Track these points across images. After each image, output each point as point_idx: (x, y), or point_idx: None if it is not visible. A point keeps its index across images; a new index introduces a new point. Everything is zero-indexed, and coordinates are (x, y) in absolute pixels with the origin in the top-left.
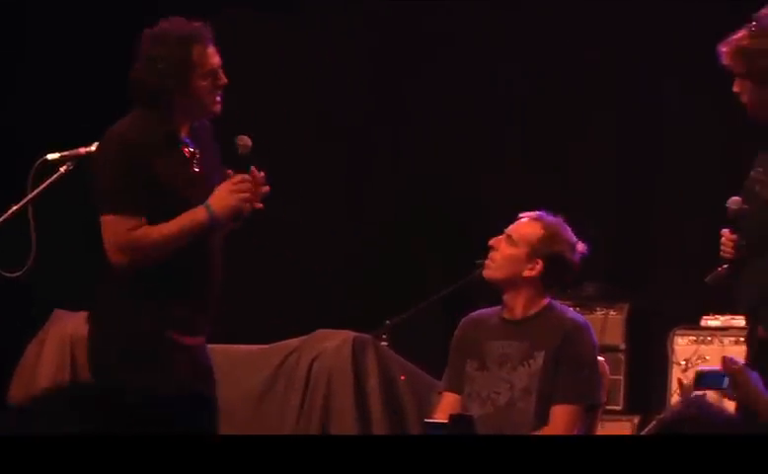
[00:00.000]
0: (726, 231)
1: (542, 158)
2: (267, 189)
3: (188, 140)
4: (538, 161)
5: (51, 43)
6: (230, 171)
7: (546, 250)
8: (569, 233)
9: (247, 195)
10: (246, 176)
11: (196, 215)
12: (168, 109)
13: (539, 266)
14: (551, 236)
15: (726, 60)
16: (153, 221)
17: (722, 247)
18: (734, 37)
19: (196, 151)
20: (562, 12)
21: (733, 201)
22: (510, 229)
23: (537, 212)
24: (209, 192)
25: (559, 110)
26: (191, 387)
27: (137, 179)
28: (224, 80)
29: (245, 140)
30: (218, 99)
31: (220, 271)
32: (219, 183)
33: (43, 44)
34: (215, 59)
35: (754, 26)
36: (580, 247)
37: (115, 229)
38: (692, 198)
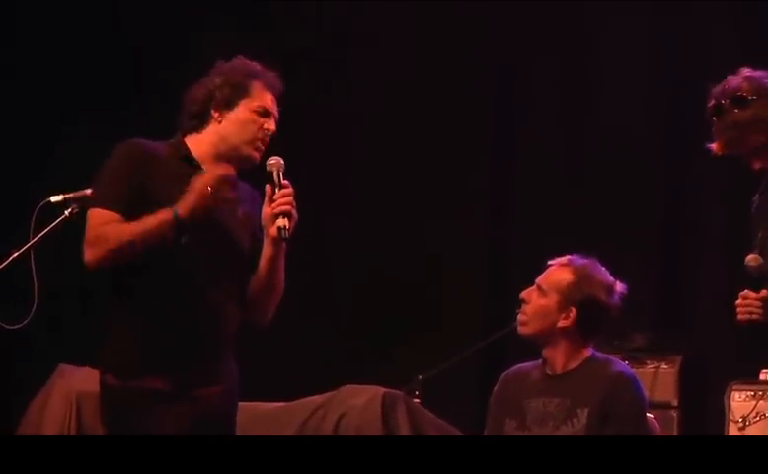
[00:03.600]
0: (749, 293)
1: (587, 199)
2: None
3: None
4: (583, 202)
5: (55, 76)
6: (268, 187)
7: (578, 296)
8: (602, 274)
9: (211, 191)
10: (214, 175)
11: (161, 213)
12: (203, 133)
13: (573, 314)
14: (582, 280)
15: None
16: None
17: (744, 309)
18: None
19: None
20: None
21: (753, 259)
22: (540, 279)
23: (567, 257)
24: (218, 234)
25: (606, 146)
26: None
27: (129, 182)
28: (272, 127)
29: (278, 160)
30: (260, 146)
31: (228, 324)
32: (240, 232)
33: (46, 77)
34: (272, 104)
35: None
36: (619, 287)
37: (90, 223)
38: (749, 243)
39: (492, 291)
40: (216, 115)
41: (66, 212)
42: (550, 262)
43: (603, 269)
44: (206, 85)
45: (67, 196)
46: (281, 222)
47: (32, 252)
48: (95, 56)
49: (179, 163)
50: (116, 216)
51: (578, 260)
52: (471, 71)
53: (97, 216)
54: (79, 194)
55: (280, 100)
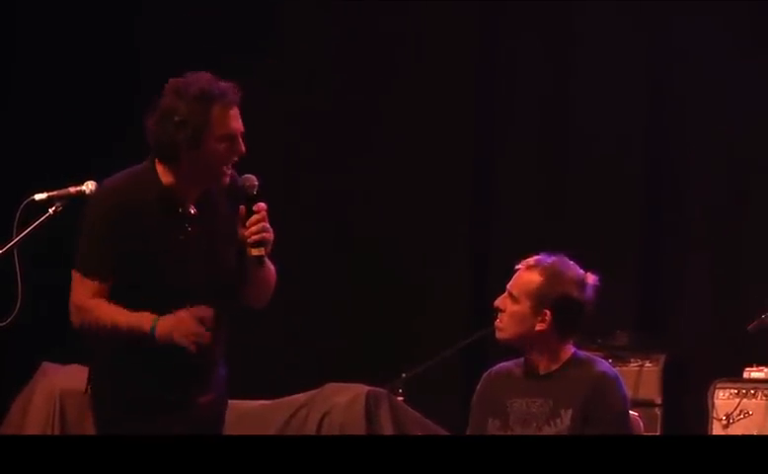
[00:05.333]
0: None
1: (570, 199)
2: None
3: (189, 203)
4: (567, 201)
5: (41, 77)
6: (242, 207)
7: (551, 296)
8: (572, 269)
9: (192, 338)
10: (197, 323)
11: (142, 324)
12: (175, 166)
13: (548, 316)
14: (552, 280)
15: None
16: (122, 283)
17: None
18: None
19: (196, 213)
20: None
21: None
22: (510, 284)
23: (534, 258)
24: (203, 255)
25: (588, 147)
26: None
27: (114, 242)
28: (242, 149)
29: (251, 180)
30: (229, 169)
31: (220, 336)
32: (225, 246)
33: (33, 77)
34: (236, 124)
35: None
36: (591, 280)
37: (77, 289)
38: (732, 241)
39: (475, 290)
40: (185, 153)
41: (50, 210)
42: (517, 266)
43: (572, 263)
44: (167, 120)
45: (51, 194)
46: (256, 252)
47: (15, 250)
48: (94, 54)
49: (159, 203)
50: (102, 286)
51: (546, 259)
52: (454, 71)
53: (84, 285)
54: (63, 192)
55: (242, 105)
